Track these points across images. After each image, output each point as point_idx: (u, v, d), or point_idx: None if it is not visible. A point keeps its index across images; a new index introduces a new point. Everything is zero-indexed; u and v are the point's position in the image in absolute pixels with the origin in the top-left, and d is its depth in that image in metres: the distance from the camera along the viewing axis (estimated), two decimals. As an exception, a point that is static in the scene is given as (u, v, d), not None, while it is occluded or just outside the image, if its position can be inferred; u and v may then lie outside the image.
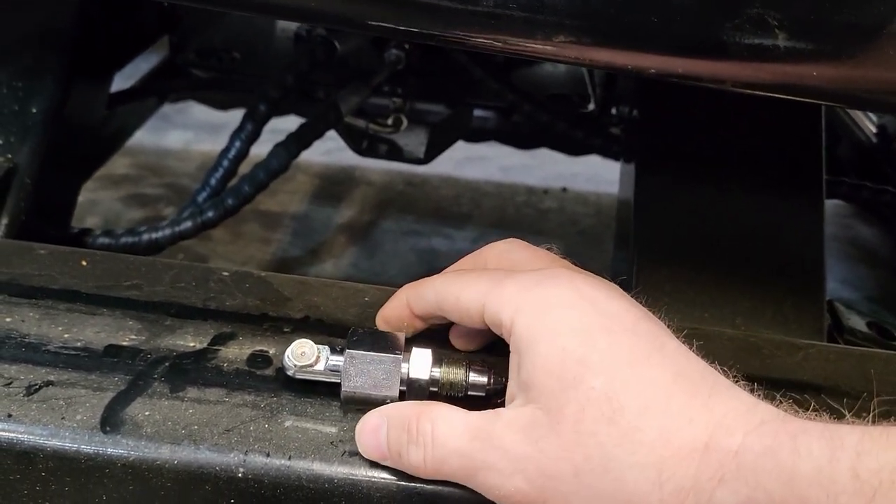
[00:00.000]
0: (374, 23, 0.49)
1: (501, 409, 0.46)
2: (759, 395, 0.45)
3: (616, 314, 0.45)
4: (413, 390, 0.52)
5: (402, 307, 0.55)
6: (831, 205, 0.77)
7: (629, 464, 0.42)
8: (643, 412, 0.42)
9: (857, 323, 0.84)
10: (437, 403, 0.49)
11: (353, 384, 0.52)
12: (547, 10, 0.44)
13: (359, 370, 0.52)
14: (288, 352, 0.53)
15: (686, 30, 0.44)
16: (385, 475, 0.49)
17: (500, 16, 0.44)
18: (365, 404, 0.52)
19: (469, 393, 0.52)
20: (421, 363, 0.52)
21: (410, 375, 0.52)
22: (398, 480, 0.49)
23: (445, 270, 0.56)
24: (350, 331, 0.54)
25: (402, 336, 0.54)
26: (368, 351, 0.52)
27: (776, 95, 0.48)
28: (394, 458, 0.48)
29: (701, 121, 0.82)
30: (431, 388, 0.52)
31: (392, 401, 0.52)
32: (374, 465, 0.50)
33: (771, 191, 0.79)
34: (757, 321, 0.72)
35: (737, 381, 0.46)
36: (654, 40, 0.44)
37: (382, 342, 0.53)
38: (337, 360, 0.52)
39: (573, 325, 0.44)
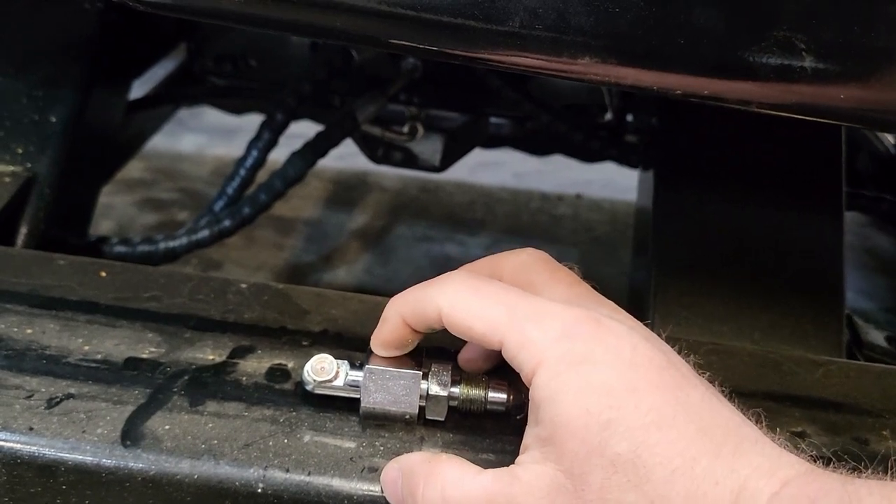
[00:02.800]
0: (397, 41, 0.49)
1: (518, 469, 0.45)
2: (781, 439, 0.45)
3: (640, 365, 0.44)
4: (432, 406, 0.52)
5: (399, 328, 0.52)
6: (847, 214, 0.77)
7: None
8: (669, 478, 0.41)
9: (876, 337, 0.84)
10: (451, 460, 0.47)
11: (372, 400, 0.52)
12: (573, 31, 0.44)
13: (378, 386, 0.52)
14: (307, 367, 0.53)
15: (712, 52, 0.44)
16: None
17: (526, 36, 0.44)
18: (384, 420, 0.52)
19: (488, 408, 0.53)
20: (440, 380, 0.52)
21: (430, 392, 0.52)
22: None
23: (457, 271, 0.54)
24: (369, 345, 0.54)
25: (421, 351, 0.54)
26: (388, 366, 0.52)
27: (801, 117, 0.48)
28: None
29: (721, 130, 0.82)
30: (451, 403, 0.52)
31: (411, 417, 0.52)
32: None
33: (791, 203, 0.78)
34: (776, 335, 0.72)
35: (758, 419, 0.46)
36: (681, 62, 0.44)
37: (402, 357, 0.53)
38: (356, 375, 0.52)
39: (597, 385, 0.43)
